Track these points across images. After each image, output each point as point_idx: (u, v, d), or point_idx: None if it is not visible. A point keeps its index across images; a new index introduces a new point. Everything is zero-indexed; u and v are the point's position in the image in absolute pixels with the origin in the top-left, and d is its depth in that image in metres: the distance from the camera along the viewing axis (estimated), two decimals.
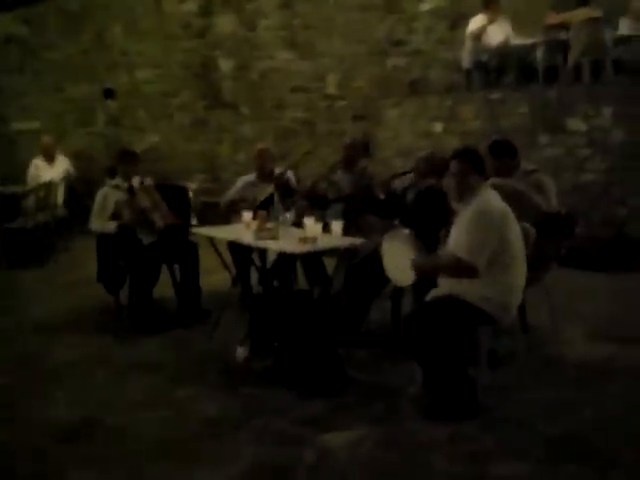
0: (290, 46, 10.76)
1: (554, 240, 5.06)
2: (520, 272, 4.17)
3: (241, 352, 5.01)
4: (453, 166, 4.20)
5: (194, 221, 6.32)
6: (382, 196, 5.65)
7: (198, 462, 3.65)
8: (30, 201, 8.42)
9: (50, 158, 9.44)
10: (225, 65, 11.04)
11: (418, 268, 4.22)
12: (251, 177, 6.50)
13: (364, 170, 6.25)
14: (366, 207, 5.72)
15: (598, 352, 5.09)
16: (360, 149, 6.33)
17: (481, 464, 3.57)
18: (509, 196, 4.35)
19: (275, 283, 5.80)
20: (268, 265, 5.77)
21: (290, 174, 6.33)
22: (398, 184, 5.66)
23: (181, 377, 4.79)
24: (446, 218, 5.00)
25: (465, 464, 3.58)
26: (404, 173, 5.72)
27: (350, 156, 6.25)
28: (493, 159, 5.13)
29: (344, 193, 6.07)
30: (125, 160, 6.18)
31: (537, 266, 4.69)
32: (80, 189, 9.65)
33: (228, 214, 6.28)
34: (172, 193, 6.30)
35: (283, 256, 5.40)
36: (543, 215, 4.95)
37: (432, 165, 5.36)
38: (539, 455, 3.64)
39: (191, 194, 6.67)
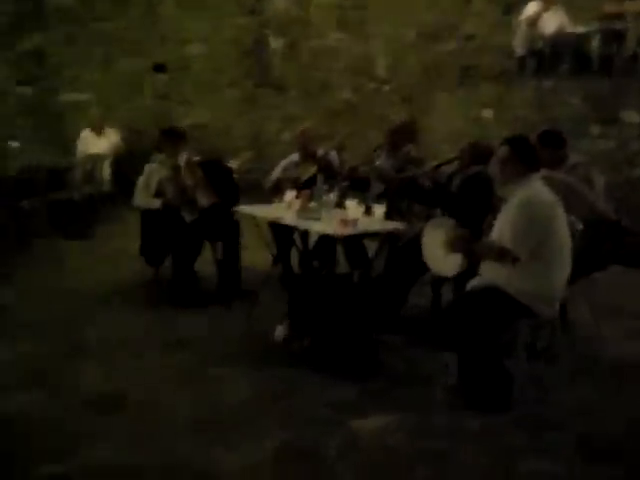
0: (341, 26, 10.68)
1: (602, 244, 4.95)
2: (564, 266, 4.09)
3: (280, 331, 5.01)
4: (500, 152, 4.15)
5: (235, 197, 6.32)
6: (428, 185, 5.58)
7: (229, 442, 3.67)
8: (77, 173, 8.51)
9: (99, 131, 9.52)
10: (275, 43, 11.00)
11: (463, 248, 4.14)
12: (295, 157, 6.48)
13: (407, 155, 6.17)
14: (411, 196, 5.66)
15: (638, 352, 4.99)
16: (405, 133, 6.23)
17: (510, 459, 3.53)
18: (560, 190, 4.27)
19: (315, 264, 5.79)
20: (310, 246, 5.76)
21: (333, 155, 6.28)
22: (442, 172, 5.59)
23: (216, 355, 4.82)
24: (491, 206, 4.94)
25: (493, 458, 3.54)
26: (448, 162, 5.64)
27: (394, 140, 6.17)
28: (540, 148, 5.04)
29: (387, 177, 6.00)
30: (171, 138, 6.20)
31: (584, 266, 4.60)
32: (128, 163, 9.70)
33: (272, 194, 6.27)
34: (217, 171, 6.30)
35: (325, 237, 5.39)
36: (597, 215, 4.85)
37: (478, 153, 5.29)
38: (570, 454, 3.59)
39: (235, 167, 6.65)
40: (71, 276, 6.73)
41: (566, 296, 4.41)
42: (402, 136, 6.18)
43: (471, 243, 4.14)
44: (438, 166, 5.67)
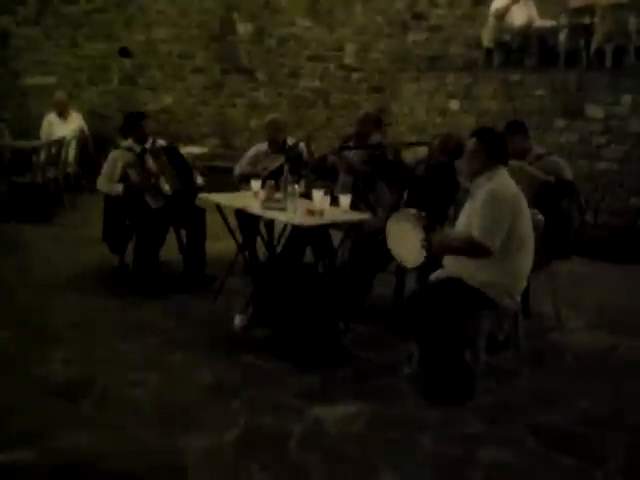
0: (310, 13, 10.64)
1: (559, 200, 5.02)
2: (526, 258, 4.14)
3: (239, 320, 5.03)
4: (469, 144, 4.18)
5: (199, 181, 6.25)
6: (390, 157, 5.59)
7: (191, 427, 3.67)
8: (41, 156, 8.39)
9: (64, 114, 9.38)
10: (243, 29, 10.93)
11: (431, 246, 4.18)
12: (263, 146, 6.46)
13: (379, 144, 6.17)
14: (376, 170, 5.66)
15: (599, 343, 5.08)
16: (373, 123, 6.24)
17: (470, 448, 3.57)
18: (517, 177, 4.33)
19: (278, 250, 5.79)
20: (275, 235, 5.76)
21: (301, 145, 6.28)
22: (411, 156, 5.62)
23: (180, 342, 4.81)
24: (454, 194, 4.99)
25: (454, 446, 3.59)
26: (416, 143, 5.66)
27: (363, 131, 6.18)
28: (509, 135, 5.12)
29: (355, 167, 6.01)
30: (136, 123, 6.13)
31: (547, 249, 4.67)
32: (92, 147, 9.62)
33: (240, 183, 6.25)
34: (175, 155, 6.23)
35: (293, 227, 5.39)
36: (542, 184, 4.91)
37: (447, 145, 5.33)
38: (530, 443, 3.65)
39: (185, 153, 6.56)
40: (34, 261, 6.65)
41: (528, 286, 4.46)
42: (370, 126, 6.18)
43: (438, 242, 4.18)
44: (409, 144, 5.69)
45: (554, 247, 4.88)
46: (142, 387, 4.11)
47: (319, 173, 5.95)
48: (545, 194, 4.83)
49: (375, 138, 6.14)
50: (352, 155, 6.00)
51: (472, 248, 4.00)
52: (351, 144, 5.98)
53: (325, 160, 6.02)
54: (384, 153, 5.64)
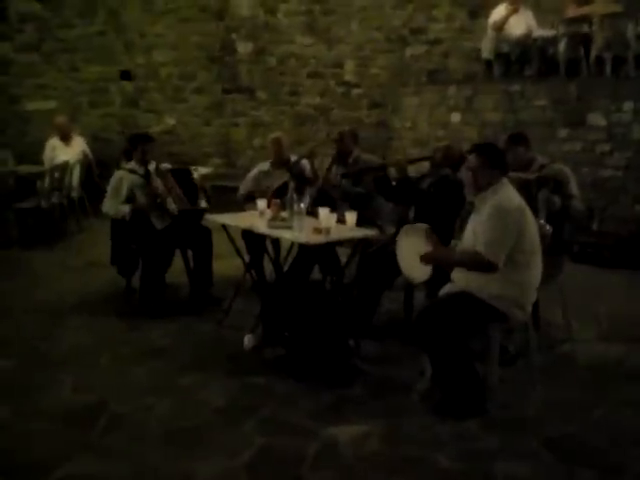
0: (309, 31, 10.70)
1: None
2: (536, 270, 4.12)
3: (249, 340, 5.00)
4: (470, 160, 4.18)
5: (203, 204, 6.26)
6: (394, 182, 5.59)
7: (203, 451, 3.65)
8: (45, 182, 8.40)
9: (66, 139, 9.39)
10: (243, 49, 10.98)
11: (431, 260, 4.18)
12: (265, 165, 6.48)
13: (356, 160, 6.17)
14: (380, 190, 5.65)
15: (610, 353, 5.04)
16: (349, 139, 6.25)
17: (485, 463, 3.54)
18: (520, 188, 4.32)
19: (285, 269, 5.77)
20: (281, 254, 5.75)
21: (305, 162, 6.28)
22: (414, 171, 5.61)
23: (189, 364, 4.78)
24: (461, 208, 4.97)
25: (469, 462, 3.55)
26: (421, 159, 5.67)
27: (342, 150, 6.19)
28: (512, 147, 5.12)
29: (348, 192, 6.00)
30: (140, 144, 6.13)
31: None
32: (96, 170, 9.63)
33: (245, 203, 6.25)
34: (183, 177, 6.25)
35: (300, 246, 5.38)
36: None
37: (449, 156, 5.34)
38: (544, 457, 3.62)
39: (196, 176, 6.58)
40: (40, 288, 6.63)
41: (538, 298, 4.43)
42: (349, 144, 6.19)
43: (445, 255, 4.16)
44: (412, 162, 5.69)
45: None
46: (152, 411, 4.09)
47: (320, 198, 5.94)
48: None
49: (354, 154, 6.14)
50: (338, 176, 6.02)
51: (478, 263, 3.98)
52: (350, 170, 5.99)
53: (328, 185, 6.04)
54: (387, 174, 5.64)
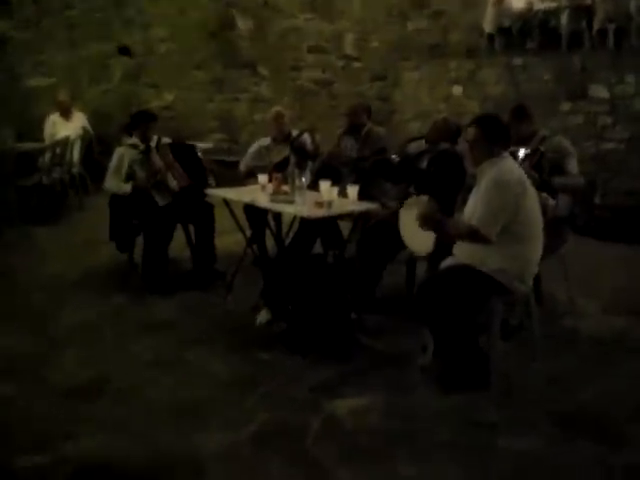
0: (309, 5, 10.61)
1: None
2: (537, 243, 4.11)
3: (263, 316, 5.00)
4: (469, 132, 4.16)
5: (211, 180, 6.26)
6: (396, 159, 5.59)
7: (207, 424, 3.67)
8: (46, 158, 8.39)
9: (67, 115, 9.37)
10: (243, 24, 10.90)
11: (428, 222, 4.16)
12: (266, 141, 6.47)
13: (368, 133, 6.18)
14: (379, 172, 5.65)
15: (613, 325, 5.05)
16: (362, 113, 6.25)
17: (488, 436, 3.56)
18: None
19: (287, 243, 5.78)
20: (283, 228, 5.75)
21: (306, 137, 6.27)
22: (412, 149, 5.60)
23: (193, 339, 4.80)
24: (462, 182, 4.95)
25: (471, 435, 3.58)
26: (421, 137, 5.65)
27: (353, 121, 6.20)
28: (515, 122, 5.08)
29: (351, 159, 6.01)
30: (142, 121, 6.10)
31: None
32: (96, 146, 9.61)
33: (246, 179, 6.25)
34: (185, 152, 6.24)
35: (301, 220, 5.39)
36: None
37: (445, 130, 5.32)
38: (548, 429, 3.64)
39: (200, 153, 6.57)
40: (44, 263, 6.64)
41: (540, 271, 4.44)
42: (360, 116, 6.19)
43: (441, 220, 4.16)
44: (410, 140, 5.68)
45: None
46: (157, 386, 4.11)
47: (324, 171, 5.94)
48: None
49: (366, 127, 6.15)
50: (348, 147, 6.02)
51: (472, 234, 3.98)
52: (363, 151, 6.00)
53: (333, 158, 6.04)
54: (387, 157, 5.63)
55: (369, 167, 5.77)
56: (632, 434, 3.59)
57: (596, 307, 5.40)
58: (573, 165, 5.15)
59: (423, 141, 5.54)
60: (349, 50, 10.59)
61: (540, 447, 3.48)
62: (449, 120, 5.51)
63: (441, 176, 5.01)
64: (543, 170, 4.87)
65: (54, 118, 9.31)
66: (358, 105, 6.32)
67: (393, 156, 5.62)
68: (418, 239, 4.35)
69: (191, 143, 6.57)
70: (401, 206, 4.76)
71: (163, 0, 10.86)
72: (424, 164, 5.31)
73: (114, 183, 5.97)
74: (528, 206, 4.02)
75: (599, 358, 4.52)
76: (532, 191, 4.09)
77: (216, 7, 10.85)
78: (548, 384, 4.15)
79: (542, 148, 4.98)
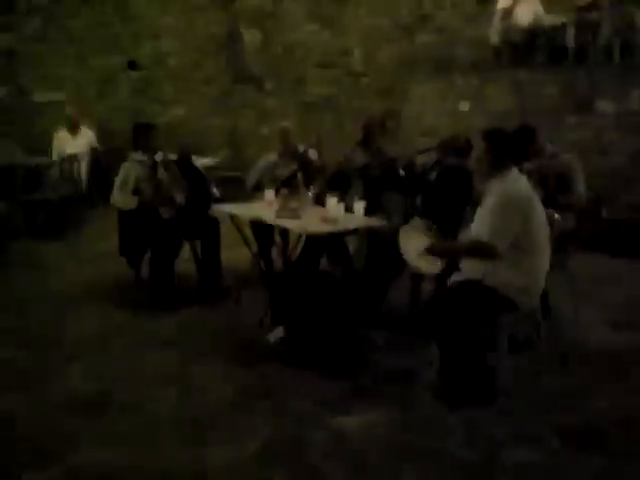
0: (316, 20, 10.65)
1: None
2: (544, 257, 4.11)
3: (278, 333, 4.97)
4: (477, 146, 4.16)
5: (215, 190, 6.26)
6: (402, 172, 5.60)
7: (213, 440, 3.66)
8: (53, 173, 8.42)
9: (74, 130, 9.42)
10: (250, 38, 10.94)
11: (436, 252, 4.19)
12: (273, 155, 6.47)
13: (380, 150, 6.20)
14: (387, 181, 5.67)
15: (619, 340, 5.04)
16: (375, 128, 6.27)
17: (495, 451, 3.55)
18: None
19: (294, 259, 5.79)
20: (290, 243, 5.76)
21: (313, 152, 6.29)
22: (420, 161, 5.61)
23: (199, 354, 4.80)
24: (470, 198, 4.96)
25: (478, 451, 3.56)
26: (428, 149, 5.65)
27: (369, 134, 6.21)
28: (521, 144, 5.09)
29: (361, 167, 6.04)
30: (142, 132, 6.14)
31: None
32: (104, 161, 9.63)
33: (254, 193, 6.27)
34: (186, 167, 6.24)
35: (308, 236, 5.40)
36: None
37: (456, 145, 5.32)
38: (554, 444, 3.63)
39: (200, 165, 6.58)
40: (50, 278, 6.66)
41: (546, 286, 4.43)
42: (375, 130, 6.21)
43: (447, 251, 4.17)
44: (418, 152, 5.69)
45: None
46: (161, 401, 4.11)
47: (333, 184, 5.97)
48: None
49: (377, 144, 6.16)
50: (358, 159, 6.04)
51: (480, 251, 3.98)
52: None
53: (342, 168, 6.06)
54: (395, 167, 5.65)
55: (378, 176, 5.78)
56: (635, 450, 3.56)
57: (603, 321, 5.39)
58: (580, 184, 5.15)
59: (430, 154, 5.55)
60: (356, 65, 10.61)
61: (547, 461, 3.47)
62: (459, 136, 5.53)
63: (449, 191, 5.02)
64: (549, 187, 4.87)
65: (62, 134, 9.35)
66: (374, 118, 6.34)
67: (400, 171, 5.63)
68: (422, 258, 4.35)
69: (186, 158, 6.52)
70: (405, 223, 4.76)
71: (172, 13, 10.92)
72: (432, 177, 5.32)
73: (120, 198, 5.99)
74: (535, 221, 4.02)
75: (606, 372, 4.51)
76: (539, 206, 4.09)
77: (224, 21, 10.89)
78: (555, 399, 4.13)
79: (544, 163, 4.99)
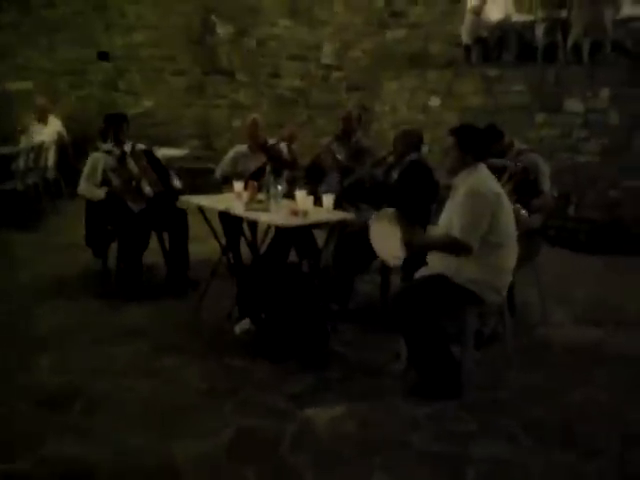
0: (289, 13, 10.63)
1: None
2: (511, 254, 4.14)
3: (242, 325, 4.96)
4: (446, 142, 4.18)
5: (177, 183, 6.19)
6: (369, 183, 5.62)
7: (182, 432, 3.65)
8: (20, 163, 8.32)
9: (43, 119, 9.32)
10: (223, 30, 10.90)
11: (410, 245, 4.20)
12: (243, 147, 6.47)
13: (358, 143, 6.22)
14: (354, 197, 5.69)
15: (586, 336, 5.10)
16: (356, 121, 6.30)
17: (462, 445, 3.57)
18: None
19: (262, 251, 5.78)
20: (257, 236, 5.75)
21: (282, 145, 6.28)
22: (379, 170, 5.61)
23: (167, 346, 4.77)
24: (435, 192, 4.98)
25: (446, 444, 3.59)
26: (383, 159, 5.64)
27: (347, 128, 6.23)
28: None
29: (341, 164, 6.04)
30: (114, 123, 6.09)
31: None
32: (72, 152, 9.55)
33: (222, 185, 6.24)
34: (151, 157, 6.19)
35: (277, 228, 5.39)
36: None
37: (409, 140, 5.33)
38: (521, 438, 3.66)
39: (160, 156, 6.50)
40: (16, 269, 6.58)
41: (513, 281, 4.47)
42: (354, 124, 6.23)
43: (417, 240, 4.18)
44: (374, 165, 5.69)
45: None
46: (131, 392, 4.08)
47: (311, 175, 5.99)
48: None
49: (355, 137, 6.19)
50: (336, 153, 6.05)
51: (452, 246, 4.01)
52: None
53: (319, 160, 6.06)
54: (362, 181, 5.66)
55: (366, 187, 5.76)
56: (605, 443, 3.61)
57: (569, 317, 5.46)
58: (546, 183, 5.20)
59: (388, 160, 5.54)
60: (329, 59, 10.61)
61: (514, 456, 3.49)
62: (409, 130, 5.53)
63: (412, 188, 5.04)
64: (515, 184, 4.91)
65: (30, 123, 9.24)
66: (352, 112, 6.36)
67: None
68: (390, 250, 4.37)
69: (149, 148, 6.44)
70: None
71: (145, 5, 10.83)
72: (394, 178, 5.33)
73: (87, 188, 5.94)
74: (503, 217, 4.05)
75: (572, 368, 4.56)
76: (507, 202, 4.12)
77: (197, 13, 10.83)
78: (522, 394, 4.17)
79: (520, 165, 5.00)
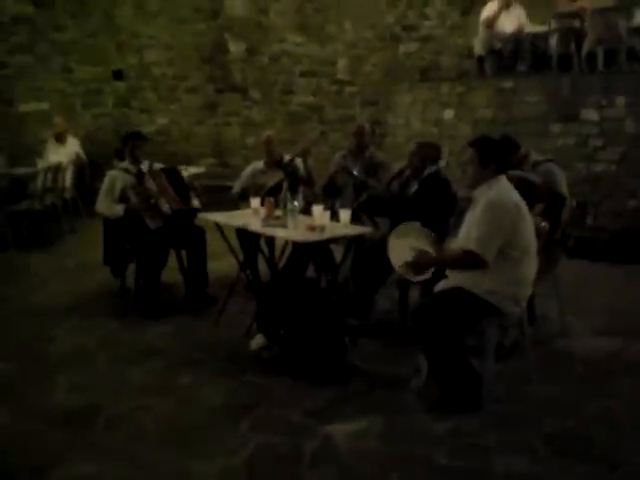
0: (301, 30, 10.67)
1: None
2: (531, 265, 4.12)
3: (257, 341, 4.95)
4: (464, 154, 4.17)
5: (196, 203, 6.22)
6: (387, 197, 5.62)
7: (201, 450, 3.64)
8: (38, 183, 8.38)
9: (61, 139, 9.40)
10: (235, 48, 10.96)
11: (423, 265, 4.19)
12: (260, 164, 6.50)
13: (371, 158, 6.22)
14: (372, 210, 5.69)
15: (605, 347, 5.05)
16: (369, 136, 6.29)
17: (483, 459, 3.55)
18: (519, 187, 4.30)
19: (280, 267, 5.77)
20: (276, 252, 5.75)
21: (298, 161, 6.29)
22: (395, 183, 5.60)
23: (186, 364, 4.77)
24: (453, 205, 4.96)
25: (467, 459, 3.56)
26: (401, 172, 5.63)
27: (360, 143, 6.23)
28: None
29: (357, 180, 6.04)
30: (132, 142, 6.12)
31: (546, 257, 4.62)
32: (89, 171, 9.61)
33: (239, 201, 6.26)
34: (172, 176, 6.21)
35: (294, 244, 5.39)
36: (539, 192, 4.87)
37: (426, 153, 5.32)
38: (542, 451, 3.62)
39: (186, 175, 6.55)
40: (35, 289, 6.61)
41: (533, 293, 4.44)
42: (367, 138, 6.22)
43: (437, 260, 4.17)
44: (392, 179, 5.68)
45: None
46: (149, 412, 4.08)
47: (328, 191, 6.01)
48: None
49: (369, 152, 6.19)
50: (351, 168, 6.05)
51: (468, 261, 3.98)
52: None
53: (335, 178, 6.08)
54: (379, 195, 5.66)
55: (384, 201, 5.75)
56: (627, 455, 3.57)
57: (589, 328, 5.40)
58: (564, 192, 5.16)
59: (405, 174, 5.53)
60: (341, 74, 10.64)
61: (535, 469, 3.46)
62: (426, 143, 5.53)
63: (431, 201, 5.02)
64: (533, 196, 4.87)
65: (49, 143, 9.33)
66: (365, 126, 6.35)
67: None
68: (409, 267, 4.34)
69: (174, 167, 6.48)
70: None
71: (158, 25, 10.91)
72: (411, 190, 5.32)
73: (106, 205, 5.96)
74: (523, 229, 4.02)
75: (592, 379, 4.51)
76: (527, 214, 4.09)
77: (209, 31, 10.90)
78: (542, 406, 4.13)
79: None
